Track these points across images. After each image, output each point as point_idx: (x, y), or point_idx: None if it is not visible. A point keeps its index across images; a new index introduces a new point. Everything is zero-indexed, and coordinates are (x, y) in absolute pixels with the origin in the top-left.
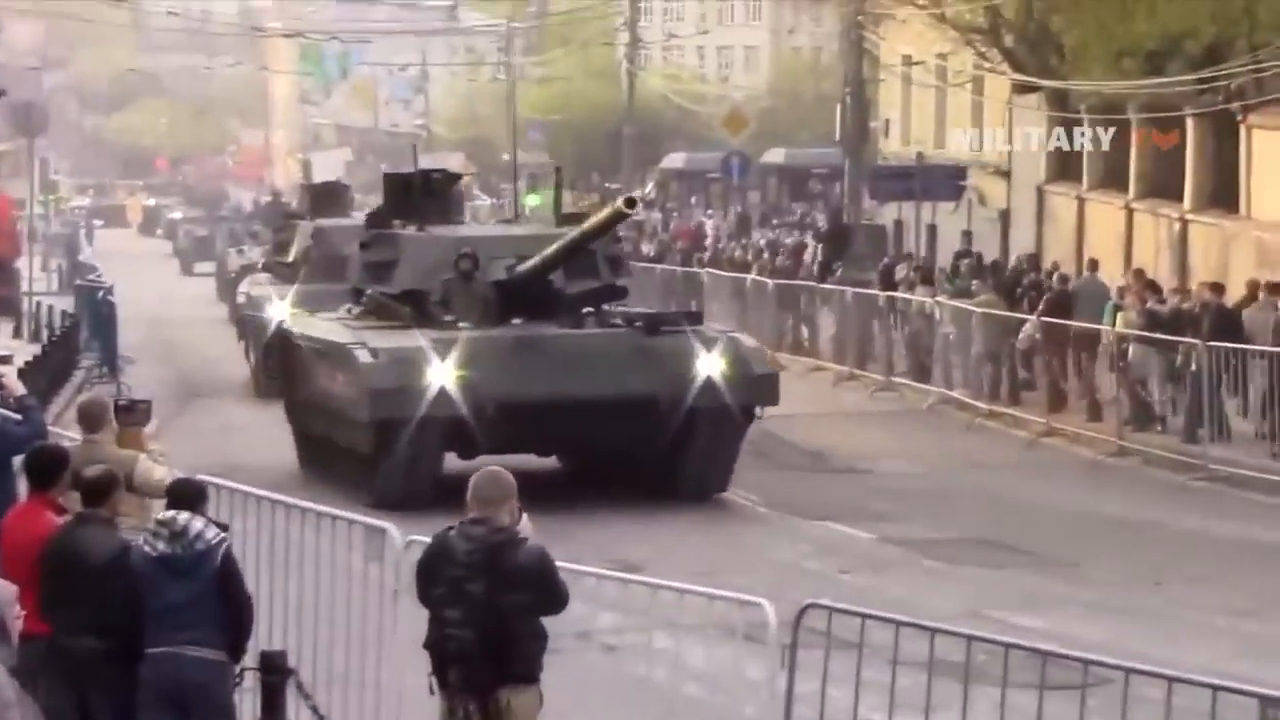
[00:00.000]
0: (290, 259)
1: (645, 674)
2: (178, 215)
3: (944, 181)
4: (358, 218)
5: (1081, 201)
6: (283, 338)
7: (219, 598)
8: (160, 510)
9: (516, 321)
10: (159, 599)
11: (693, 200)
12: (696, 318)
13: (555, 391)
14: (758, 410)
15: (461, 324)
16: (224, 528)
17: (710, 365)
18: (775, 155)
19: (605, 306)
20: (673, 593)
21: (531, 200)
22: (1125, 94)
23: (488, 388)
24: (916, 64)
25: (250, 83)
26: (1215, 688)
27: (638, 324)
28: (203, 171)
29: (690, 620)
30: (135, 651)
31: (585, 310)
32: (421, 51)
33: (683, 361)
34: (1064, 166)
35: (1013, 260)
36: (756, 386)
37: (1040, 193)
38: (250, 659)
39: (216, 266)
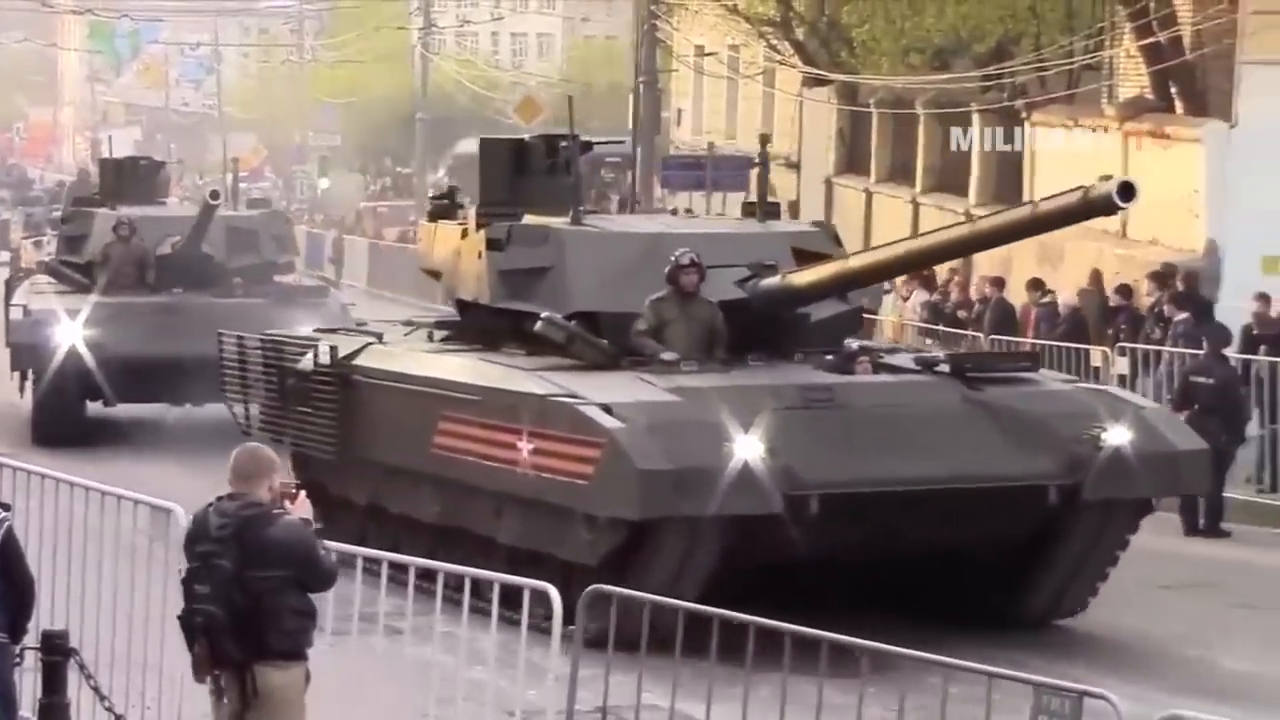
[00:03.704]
0: (84, 259)
1: (430, 657)
2: None
3: (733, 172)
4: (173, 205)
5: (869, 194)
6: (338, 377)
7: (0, 577)
8: None
9: (756, 361)
10: None
11: None
12: (1031, 361)
13: (905, 477)
14: (1155, 501)
15: (686, 365)
16: (5, 507)
17: (1119, 437)
18: None
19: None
20: (460, 577)
21: (323, 183)
22: (913, 89)
23: (811, 472)
24: (709, 55)
25: (39, 59)
26: (991, 675)
27: (939, 368)
28: None
29: (478, 605)
30: None
31: (854, 345)
32: (214, 32)
33: (1074, 431)
34: (852, 159)
35: None
36: (1182, 471)
37: (829, 184)
38: (31, 639)
39: (10, 259)
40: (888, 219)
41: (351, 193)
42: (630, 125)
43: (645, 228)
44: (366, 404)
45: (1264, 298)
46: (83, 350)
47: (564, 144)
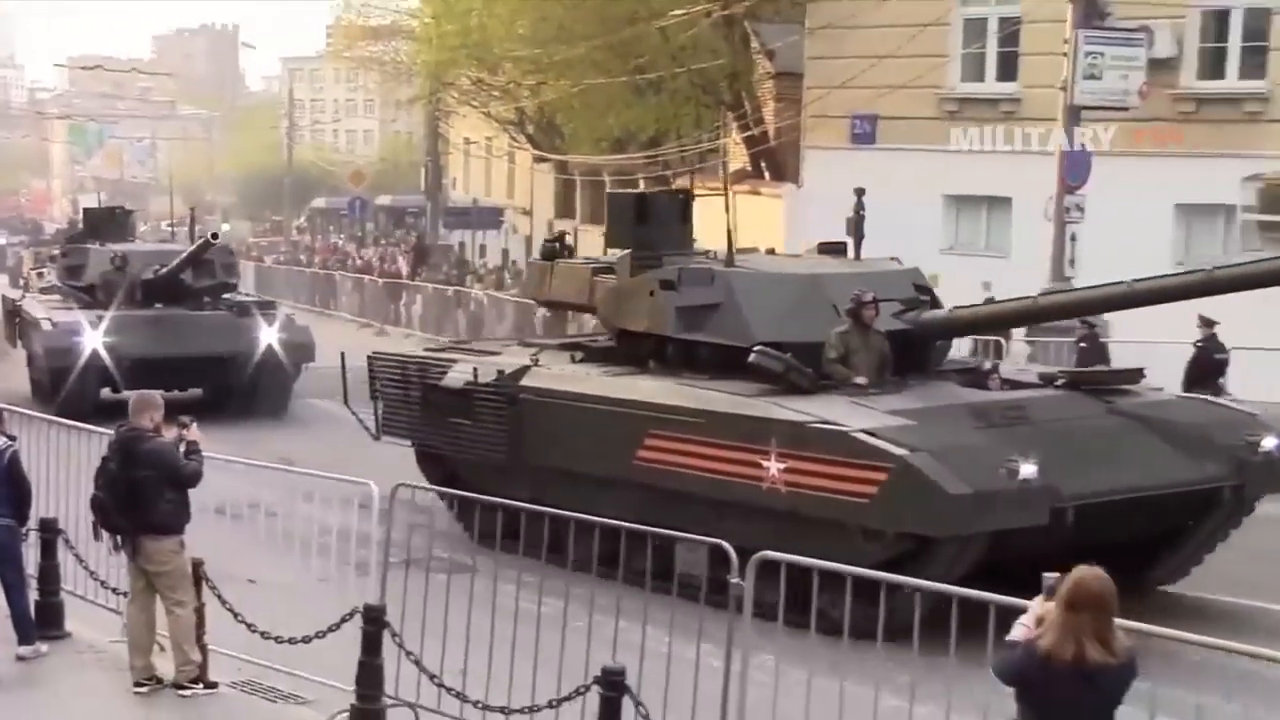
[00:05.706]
0: (83, 282)
1: (294, 529)
2: (1, 241)
3: (490, 217)
4: (147, 243)
5: (576, 230)
6: (506, 395)
7: (8, 483)
8: None
9: (914, 381)
10: None
11: (330, 228)
12: (1136, 374)
13: (1130, 486)
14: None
15: (873, 390)
16: (11, 437)
17: (1270, 443)
18: (384, 199)
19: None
20: (313, 477)
21: (225, 227)
22: (601, 164)
23: (1067, 487)
24: (473, 143)
25: (37, 148)
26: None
27: (1059, 382)
28: (2, 205)
29: (325, 495)
30: None
31: (986, 364)
32: (152, 129)
33: (1233, 438)
34: (565, 208)
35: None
36: None
37: (550, 224)
38: (33, 524)
39: (23, 285)
40: (593, 248)
41: (243, 232)
42: (422, 188)
43: (799, 269)
44: (539, 418)
45: None
46: (103, 352)
47: (681, 195)
